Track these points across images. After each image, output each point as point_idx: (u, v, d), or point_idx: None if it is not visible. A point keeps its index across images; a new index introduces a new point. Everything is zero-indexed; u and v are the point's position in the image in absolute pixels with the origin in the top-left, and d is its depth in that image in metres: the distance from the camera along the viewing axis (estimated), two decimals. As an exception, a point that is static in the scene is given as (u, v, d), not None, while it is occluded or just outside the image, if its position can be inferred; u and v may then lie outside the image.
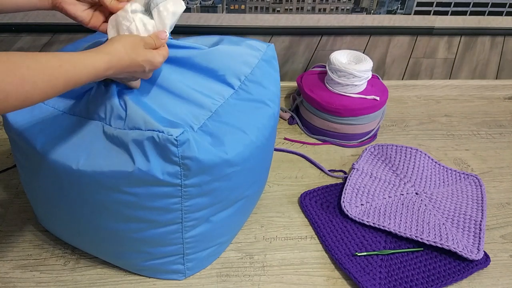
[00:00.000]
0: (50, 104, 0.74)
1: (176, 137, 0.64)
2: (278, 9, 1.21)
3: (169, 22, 0.71)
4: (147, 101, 0.73)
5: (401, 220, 0.92)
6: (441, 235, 0.88)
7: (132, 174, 0.66)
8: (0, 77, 0.49)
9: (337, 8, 1.23)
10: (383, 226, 0.91)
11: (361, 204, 0.96)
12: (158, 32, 0.69)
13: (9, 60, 0.50)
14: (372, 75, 1.21)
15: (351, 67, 1.11)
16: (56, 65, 0.54)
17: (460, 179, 1.06)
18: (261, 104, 0.79)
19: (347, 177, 1.03)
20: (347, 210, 0.94)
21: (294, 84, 1.33)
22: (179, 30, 1.21)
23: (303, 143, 1.18)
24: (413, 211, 0.94)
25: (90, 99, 0.73)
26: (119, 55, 0.62)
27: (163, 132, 0.64)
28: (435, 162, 1.10)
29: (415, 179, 1.04)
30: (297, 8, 1.21)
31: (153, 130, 0.65)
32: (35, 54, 0.54)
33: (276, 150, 1.13)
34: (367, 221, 0.92)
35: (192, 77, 0.77)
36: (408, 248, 0.89)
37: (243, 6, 1.19)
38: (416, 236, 0.88)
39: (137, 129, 0.66)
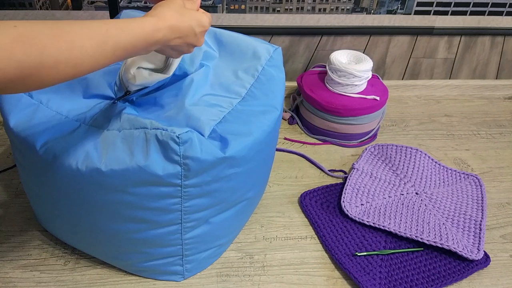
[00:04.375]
0: (54, 108, 0.74)
1: (179, 134, 0.64)
2: (278, 9, 1.21)
3: None
4: (156, 115, 0.74)
5: (401, 220, 0.92)
6: (441, 235, 0.88)
7: (132, 171, 0.66)
8: (47, 42, 0.47)
9: (337, 8, 1.23)
10: (383, 226, 0.91)
11: (361, 204, 0.96)
12: None
13: (55, 26, 0.49)
14: (372, 75, 1.21)
15: (351, 67, 1.11)
16: (103, 30, 0.53)
17: (460, 179, 1.06)
18: (267, 108, 0.79)
19: (347, 177, 1.03)
20: (347, 210, 0.94)
21: (294, 84, 1.33)
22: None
23: (303, 143, 1.18)
24: (413, 211, 0.94)
25: (98, 110, 0.73)
26: (164, 16, 0.60)
27: (166, 130, 0.65)
28: (435, 162, 1.10)
29: (415, 179, 1.04)
30: (297, 8, 1.21)
31: (157, 129, 0.66)
32: (80, 21, 0.53)
33: (276, 150, 1.13)
34: (367, 221, 0.92)
35: (198, 90, 0.78)
36: (408, 248, 0.89)
37: (243, 6, 1.19)
38: (416, 236, 0.88)
39: (142, 128, 0.67)
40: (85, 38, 0.51)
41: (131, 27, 0.56)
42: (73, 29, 0.50)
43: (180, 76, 0.80)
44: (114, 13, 1.08)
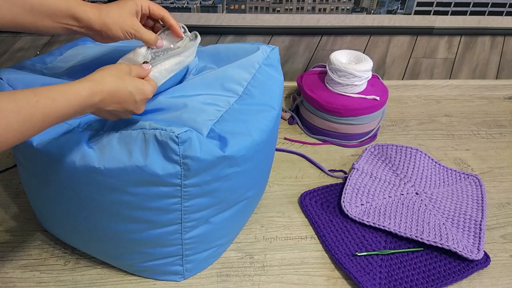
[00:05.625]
0: None
1: (178, 134, 0.64)
2: (278, 9, 1.21)
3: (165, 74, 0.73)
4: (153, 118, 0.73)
5: (401, 220, 0.92)
6: (441, 235, 0.88)
7: (130, 171, 0.66)
8: None
9: (337, 8, 1.23)
10: (383, 226, 0.91)
11: (361, 204, 0.96)
12: (142, 64, 0.69)
13: None
14: (372, 75, 1.21)
15: (351, 67, 1.11)
16: (31, 102, 0.50)
17: (460, 179, 1.06)
18: (265, 107, 0.79)
19: (347, 177, 1.03)
20: (347, 210, 0.94)
21: (294, 84, 1.33)
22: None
23: (303, 143, 1.18)
24: (413, 211, 0.94)
25: (92, 117, 0.73)
26: (103, 81, 0.59)
27: (165, 130, 0.65)
28: (435, 162, 1.10)
29: (415, 179, 1.04)
30: (297, 8, 1.21)
31: (156, 129, 0.66)
32: (9, 92, 0.50)
33: (276, 150, 1.13)
34: (367, 221, 0.92)
35: (194, 90, 0.78)
36: (408, 248, 0.89)
37: (243, 6, 1.19)
38: (416, 236, 0.88)
39: (141, 129, 0.67)
40: (11, 114, 0.48)
41: (64, 94, 0.53)
42: None
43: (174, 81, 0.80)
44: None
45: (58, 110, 0.53)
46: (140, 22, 0.71)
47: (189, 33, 0.75)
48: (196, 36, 0.76)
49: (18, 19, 0.64)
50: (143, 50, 0.71)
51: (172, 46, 0.74)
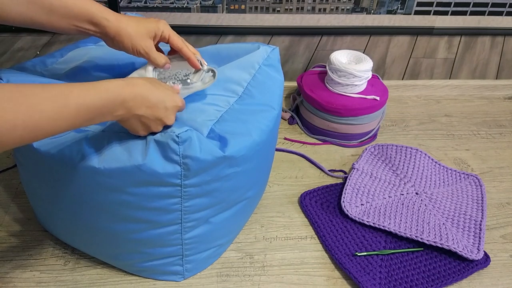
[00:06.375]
0: None
1: (178, 134, 0.64)
2: (278, 9, 1.21)
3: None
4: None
5: (401, 220, 0.92)
6: (441, 235, 0.88)
7: (130, 171, 0.66)
8: (5, 106, 0.46)
9: (337, 8, 1.23)
10: (383, 226, 0.91)
11: (361, 204, 0.96)
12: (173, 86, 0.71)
13: (15, 90, 0.48)
14: (372, 75, 1.21)
15: (351, 67, 1.11)
16: (66, 92, 0.52)
17: (460, 179, 1.06)
18: (265, 107, 0.79)
19: (347, 177, 1.03)
20: (347, 210, 0.94)
21: (294, 84, 1.33)
22: (179, 31, 1.21)
23: (303, 143, 1.18)
24: (413, 211, 0.94)
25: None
26: (136, 82, 0.60)
27: (165, 130, 0.65)
28: (435, 162, 1.10)
29: (415, 179, 1.04)
30: (297, 8, 1.21)
31: None
32: (44, 84, 0.51)
33: (276, 150, 1.13)
34: (367, 221, 0.92)
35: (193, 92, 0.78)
36: (408, 248, 0.89)
37: (243, 6, 1.19)
38: (416, 236, 0.88)
39: None
40: (46, 101, 0.49)
41: (95, 87, 0.55)
42: (33, 92, 0.49)
43: None
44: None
45: (90, 101, 0.54)
46: (154, 43, 0.72)
47: (206, 66, 0.75)
48: (213, 72, 0.75)
49: (36, 17, 0.64)
50: (150, 68, 0.73)
51: (190, 81, 0.74)
